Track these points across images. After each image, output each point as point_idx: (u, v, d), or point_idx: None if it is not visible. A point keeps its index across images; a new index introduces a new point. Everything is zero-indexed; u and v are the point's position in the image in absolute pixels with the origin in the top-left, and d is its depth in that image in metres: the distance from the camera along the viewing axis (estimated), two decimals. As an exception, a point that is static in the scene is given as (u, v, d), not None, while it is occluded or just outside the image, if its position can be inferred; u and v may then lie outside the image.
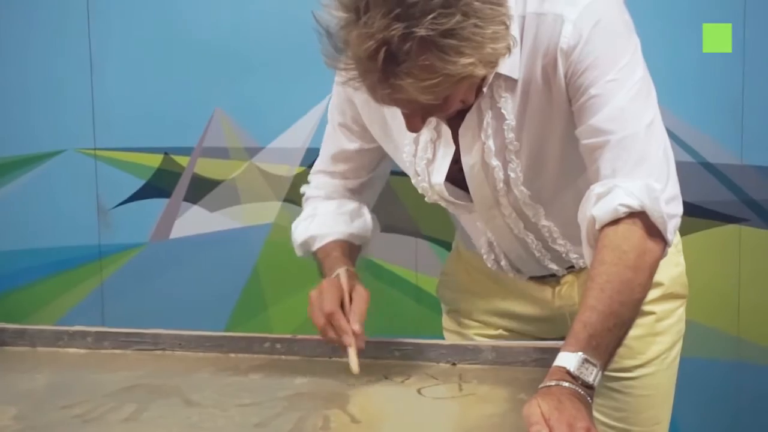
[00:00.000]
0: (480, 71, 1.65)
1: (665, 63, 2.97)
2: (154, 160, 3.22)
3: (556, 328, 2.15)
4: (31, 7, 3.21)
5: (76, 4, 3.18)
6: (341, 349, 1.90)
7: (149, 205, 3.25)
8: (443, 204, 2.03)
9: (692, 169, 3.00)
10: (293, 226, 2.19)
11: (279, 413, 1.74)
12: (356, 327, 1.89)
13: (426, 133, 1.94)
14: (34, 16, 3.20)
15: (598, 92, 1.76)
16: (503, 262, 2.12)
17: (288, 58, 3.08)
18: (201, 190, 3.22)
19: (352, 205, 2.16)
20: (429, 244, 3.12)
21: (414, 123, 1.79)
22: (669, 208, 1.72)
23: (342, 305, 1.92)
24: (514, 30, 1.77)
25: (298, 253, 2.18)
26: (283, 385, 1.88)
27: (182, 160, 3.21)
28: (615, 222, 1.71)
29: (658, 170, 1.74)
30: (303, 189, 2.23)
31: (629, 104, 1.75)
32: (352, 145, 2.12)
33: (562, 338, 2.05)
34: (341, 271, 1.98)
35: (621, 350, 1.79)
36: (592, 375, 1.60)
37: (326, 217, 2.13)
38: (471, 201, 2.00)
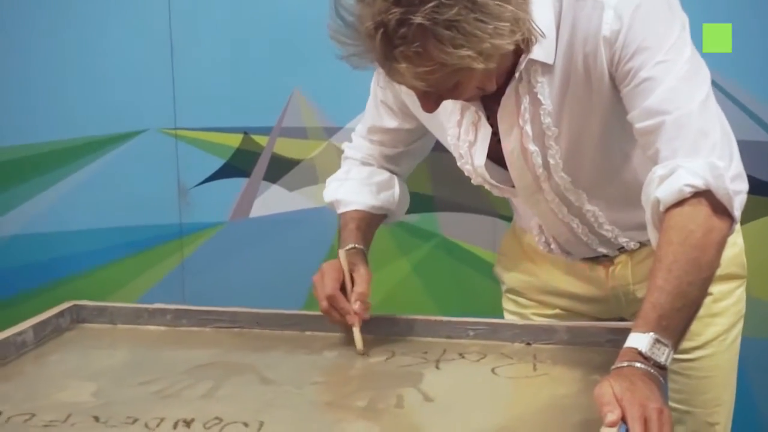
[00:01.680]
0: (478, 65, 1.63)
1: None
2: (234, 140, 3.24)
3: (610, 308, 2.15)
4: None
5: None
6: (346, 329, 1.97)
7: (229, 184, 3.27)
8: (487, 187, 2.03)
9: None
10: (327, 181, 2.23)
11: (353, 391, 1.76)
12: (356, 307, 1.96)
13: (468, 116, 1.94)
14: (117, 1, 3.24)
15: (649, 75, 1.74)
16: (553, 245, 2.12)
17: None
18: (280, 169, 3.23)
19: (383, 176, 2.20)
20: (507, 224, 3.11)
21: (427, 104, 1.79)
22: (735, 185, 1.70)
23: (345, 285, 1.99)
24: (549, 16, 1.77)
25: (329, 206, 2.22)
26: (356, 364, 1.90)
27: (261, 140, 3.23)
28: (680, 203, 1.68)
29: (720, 147, 1.72)
30: (344, 146, 2.27)
31: (681, 84, 1.73)
32: (391, 123, 2.15)
33: (622, 319, 2.05)
34: (341, 253, 2.03)
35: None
36: (663, 355, 1.59)
37: (355, 183, 2.18)
38: (513, 185, 2.00)
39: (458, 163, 2.02)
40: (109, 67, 3.24)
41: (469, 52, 1.61)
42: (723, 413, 2.13)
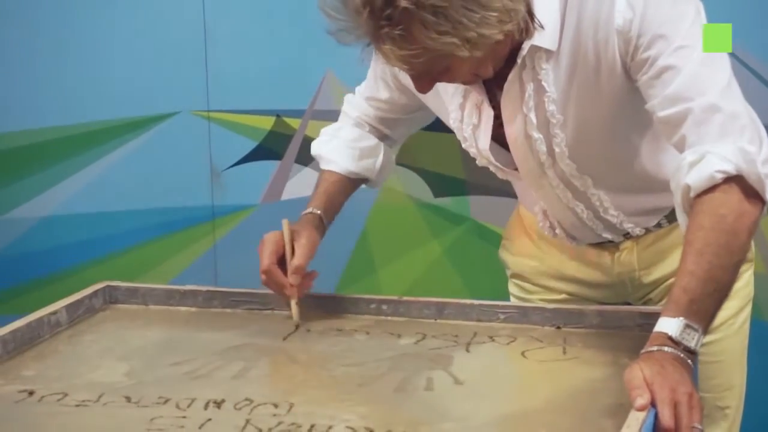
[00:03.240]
0: (463, 53, 1.63)
1: None
2: (266, 123, 3.25)
3: (617, 293, 2.14)
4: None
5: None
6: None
7: (261, 166, 3.28)
8: (492, 169, 2.03)
9: None
10: (321, 131, 2.25)
11: (383, 373, 1.76)
12: (291, 279, 1.98)
13: (472, 98, 1.94)
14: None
15: (668, 63, 1.72)
16: (558, 230, 2.11)
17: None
18: (312, 152, 3.24)
19: (370, 141, 2.21)
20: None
21: (419, 84, 1.79)
22: (766, 169, 1.68)
23: (286, 256, 2.01)
24: (554, 2, 1.76)
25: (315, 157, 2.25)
26: (387, 346, 1.90)
27: (294, 123, 3.23)
28: (711, 189, 1.67)
29: (750, 131, 1.70)
30: (345, 97, 2.27)
31: (702, 69, 1.71)
32: (386, 95, 2.16)
33: (628, 303, 2.04)
34: (285, 223, 2.04)
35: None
36: (693, 340, 1.59)
37: (341, 143, 2.19)
38: (517, 169, 1.99)
39: (463, 146, 2.02)
40: (143, 49, 3.25)
41: (454, 40, 1.61)
42: (734, 397, 2.13)
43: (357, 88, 2.24)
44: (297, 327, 1.99)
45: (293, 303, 2.00)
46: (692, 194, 1.69)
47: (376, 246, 3.32)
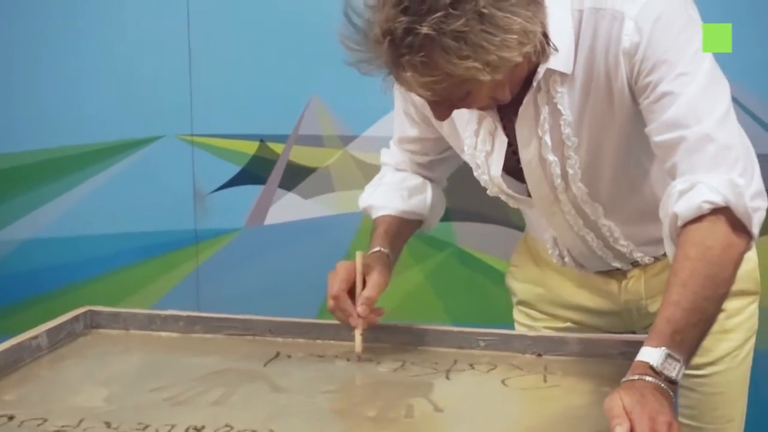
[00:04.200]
0: (485, 76, 1.63)
1: None
2: (250, 147, 3.25)
3: (622, 322, 2.14)
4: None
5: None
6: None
7: (245, 191, 3.29)
8: (503, 198, 2.04)
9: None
10: (366, 187, 2.24)
11: (363, 400, 1.76)
12: (360, 310, 1.96)
13: (485, 126, 1.94)
14: (133, 5, 3.25)
15: (668, 88, 1.73)
16: (567, 258, 2.12)
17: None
18: (295, 177, 3.24)
19: (415, 180, 2.20)
20: (522, 235, 3.12)
21: (438, 111, 1.79)
22: (754, 203, 1.69)
23: (356, 287, 1.99)
24: (568, 24, 1.77)
25: (363, 212, 2.24)
26: (368, 372, 1.91)
27: (277, 148, 3.24)
28: (698, 219, 1.68)
29: (741, 163, 1.71)
30: (382, 151, 2.26)
31: (701, 97, 1.72)
32: (414, 131, 2.15)
33: (634, 332, 2.06)
34: (358, 254, 2.03)
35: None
36: (675, 370, 1.59)
37: (388, 188, 2.19)
38: (530, 196, 2.00)
39: (475, 174, 2.02)
40: (127, 72, 3.25)
41: (476, 64, 1.61)
42: (735, 429, 2.13)
43: (390, 141, 2.24)
44: (359, 358, 1.96)
45: (357, 333, 1.97)
46: (680, 223, 1.70)
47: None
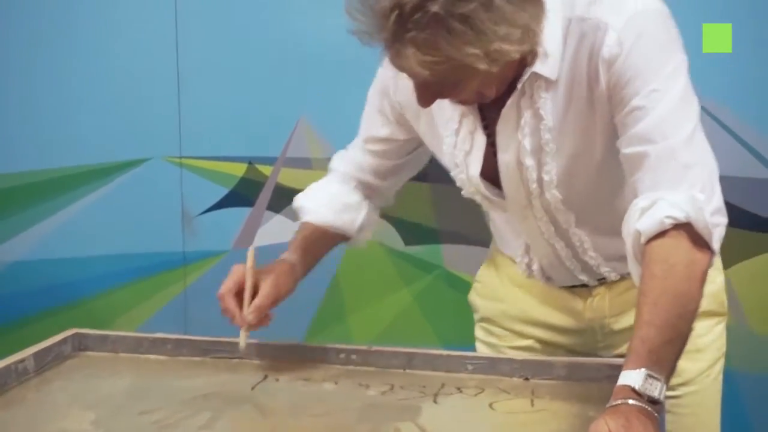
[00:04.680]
0: (482, 65, 1.65)
1: None
2: (239, 169, 3.26)
3: (586, 341, 2.16)
4: (118, 18, 3.28)
5: (163, 15, 3.23)
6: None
7: (233, 213, 3.29)
8: (478, 199, 2.04)
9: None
10: (308, 186, 2.25)
11: (351, 424, 1.76)
12: (250, 318, 1.99)
13: (466, 125, 1.95)
14: (122, 27, 3.26)
15: (641, 103, 1.75)
16: (535, 267, 2.12)
17: (373, 69, 3.11)
18: (284, 199, 3.25)
19: (353, 198, 2.21)
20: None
21: (424, 98, 1.79)
22: (714, 219, 1.71)
23: (250, 290, 2.02)
24: (558, 32, 1.79)
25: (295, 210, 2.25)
26: (355, 396, 1.90)
27: (266, 170, 3.25)
28: (660, 235, 1.69)
29: (701, 181, 1.73)
30: (335, 155, 2.27)
31: (671, 114, 1.74)
32: (384, 131, 2.15)
33: (593, 351, 2.11)
34: (249, 254, 2.05)
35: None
36: (656, 390, 1.60)
37: (324, 196, 2.20)
38: (504, 198, 2.01)
39: (452, 173, 2.03)
40: (116, 95, 3.26)
41: (477, 51, 1.63)
42: None
43: (349, 145, 2.25)
44: (241, 351, 2.01)
45: (242, 330, 2.01)
46: (642, 240, 1.71)
47: (347, 293, 3.32)
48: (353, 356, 2.06)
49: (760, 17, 2.96)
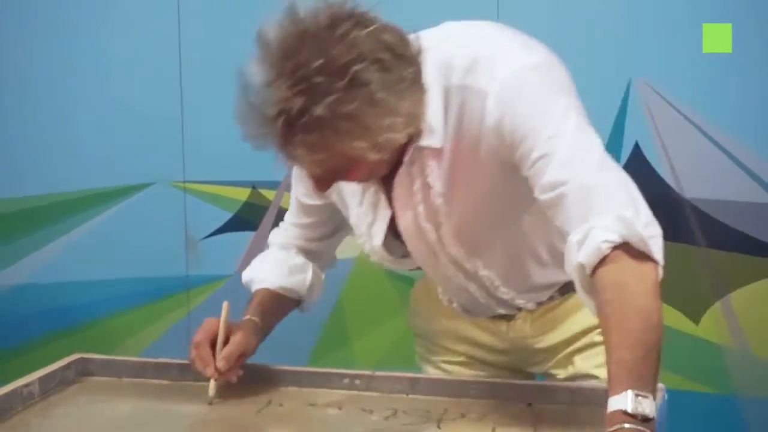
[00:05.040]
0: (373, 156, 1.70)
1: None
2: (242, 194, 3.27)
3: (511, 359, 2.20)
4: (121, 43, 3.29)
5: (167, 40, 3.25)
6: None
7: (237, 237, 3.30)
8: (386, 264, 2.10)
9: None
10: (252, 262, 2.27)
11: (354, 450, 1.77)
12: (220, 365, 2.00)
13: (369, 197, 2.00)
14: (125, 53, 3.28)
15: (540, 153, 1.76)
16: (455, 305, 2.17)
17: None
18: (287, 223, 3.25)
19: (298, 260, 2.24)
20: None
21: (319, 186, 1.84)
22: (647, 231, 1.71)
23: (222, 341, 2.03)
24: (438, 102, 1.82)
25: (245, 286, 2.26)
26: (359, 421, 1.91)
27: (269, 194, 3.25)
28: (602, 262, 1.70)
29: (624, 200, 1.74)
30: (272, 232, 2.31)
31: (573, 151, 1.76)
32: (310, 203, 2.19)
33: (524, 369, 2.16)
34: (224, 306, 2.06)
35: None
36: (647, 406, 1.59)
37: (270, 264, 2.23)
38: (411, 257, 2.06)
39: (358, 242, 2.07)
40: (120, 119, 3.28)
41: (364, 144, 1.67)
42: None
43: (282, 222, 2.29)
44: (210, 403, 1.99)
45: (212, 381, 2.01)
46: (588, 271, 1.72)
47: (350, 317, 3.33)
48: (357, 381, 2.06)
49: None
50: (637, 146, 3.13)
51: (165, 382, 2.12)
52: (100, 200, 3.32)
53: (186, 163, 3.27)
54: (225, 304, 2.07)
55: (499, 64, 1.81)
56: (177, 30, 3.26)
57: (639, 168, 3.13)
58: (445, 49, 1.84)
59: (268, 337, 3.15)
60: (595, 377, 2.08)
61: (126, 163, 3.30)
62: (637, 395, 1.60)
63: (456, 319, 2.21)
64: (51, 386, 2.06)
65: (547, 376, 2.19)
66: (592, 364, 2.09)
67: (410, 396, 2.02)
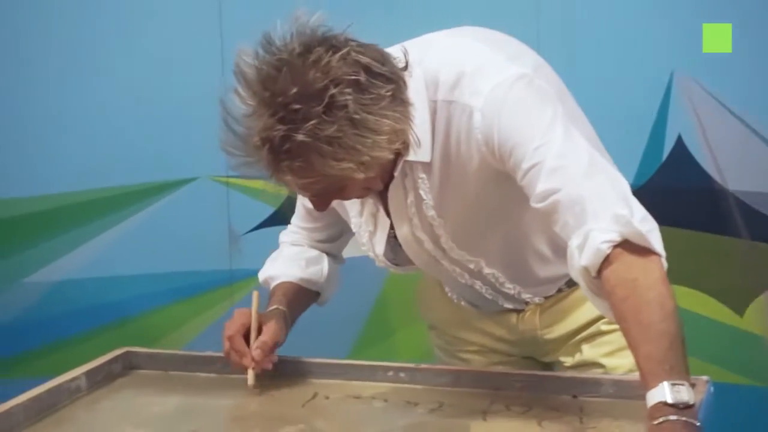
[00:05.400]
0: (359, 175, 1.73)
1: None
2: (284, 188, 3.27)
3: (523, 349, 2.23)
4: (167, 41, 3.31)
5: (209, 37, 3.26)
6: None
7: (279, 231, 3.30)
8: (391, 270, 2.13)
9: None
10: (265, 261, 2.31)
11: (401, 442, 1.78)
12: (255, 354, 2.02)
13: (368, 207, 2.03)
14: (171, 50, 3.30)
15: (531, 163, 1.79)
16: (463, 302, 2.20)
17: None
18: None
19: (312, 253, 2.27)
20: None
21: (317, 205, 1.89)
22: (644, 225, 1.72)
23: (255, 330, 2.06)
24: (425, 116, 1.85)
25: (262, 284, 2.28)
26: (405, 414, 1.91)
27: (312, 188, 3.26)
28: (606, 263, 1.71)
29: (617, 199, 1.75)
30: (281, 233, 2.34)
31: (562, 159, 1.78)
32: (319, 223, 2.24)
33: (535, 359, 2.19)
34: (254, 296, 2.11)
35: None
36: (685, 393, 1.59)
37: (285, 260, 2.26)
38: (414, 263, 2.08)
39: (362, 249, 2.11)
40: (164, 116, 3.29)
41: (350, 164, 1.70)
42: None
43: (291, 222, 2.32)
44: (251, 388, 2.02)
45: (250, 371, 2.03)
46: (593, 274, 1.74)
47: (392, 310, 3.33)
48: (401, 374, 2.07)
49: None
50: (680, 139, 3.12)
51: (211, 375, 2.14)
52: (144, 195, 3.34)
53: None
54: (255, 294, 2.11)
55: (483, 79, 1.84)
56: (219, 27, 3.27)
57: (682, 161, 3.11)
58: (430, 63, 1.88)
59: (311, 331, 3.17)
60: (602, 366, 2.12)
61: (169, 159, 3.32)
62: (673, 384, 1.60)
63: (466, 312, 2.23)
64: (98, 380, 2.08)
65: (556, 363, 2.21)
66: (599, 352, 2.13)
67: (455, 389, 2.02)
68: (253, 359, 2.02)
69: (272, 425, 1.85)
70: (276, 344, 2.07)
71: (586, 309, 2.11)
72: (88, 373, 2.06)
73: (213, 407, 1.99)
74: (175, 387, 2.09)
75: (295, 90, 1.66)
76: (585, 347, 2.15)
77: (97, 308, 3.39)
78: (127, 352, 2.18)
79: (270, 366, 2.05)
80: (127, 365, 2.18)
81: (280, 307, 2.14)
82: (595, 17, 3.09)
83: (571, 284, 2.09)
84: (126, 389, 2.09)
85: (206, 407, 1.99)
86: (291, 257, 2.25)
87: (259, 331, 2.06)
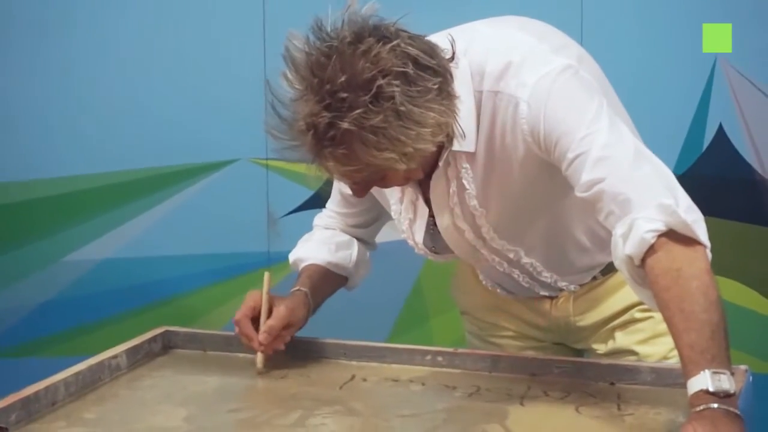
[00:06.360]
0: (401, 166, 1.74)
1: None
2: (325, 173, 3.28)
3: (555, 336, 2.23)
4: (208, 24, 3.32)
5: (251, 19, 3.28)
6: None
7: (317, 214, 3.31)
8: (430, 257, 2.14)
9: None
10: (297, 243, 2.33)
11: (438, 425, 1.78)
12: (261, 338, 2.04)
13: (408, 194, 2.03)
14: (211, 32, 3.31)
15: (576, 153, 1.80)
16: (499, 290, 2.21)
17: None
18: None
19: (343, 237, 2.28)
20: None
21: (356, 192, 1.90)
22: (689, 216, 1.73)
23: (266, 313, 2.08)
24: (471, 107, 1.86)
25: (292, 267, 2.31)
26: (443, 398, 1.92)
27: (350, 172, 3.26)
28: (650, 252, 1.72)
29: (662, 188, 1.76)
30: (316, 216, 2.36)
31: (607, 148, 1.79)
32: (354, 209, 2.26)
33: (567, 345, 2.21)
34: (266, 277, 2.13)
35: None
36: (726, 382, 1.61)
37: (315, 243, 2.27)
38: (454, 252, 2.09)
39: (401, 236, 2.12)
40: (204, 97, 3.31)
41: (393, 155, 1.72)
42: None
43: (326, 205, 2.34)
44: (259, 373, 2.04)
45: (259, 354, 2.05)
46: (636, 263, 1.75)
47: (429, 294, 3.34)
48: (439, 358, 2.08)
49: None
50: (720, 128, 3.11)
51: (250, 355, 2.14)
52: (183, 176, 3.35)
53: (268, 140, 3.28)
54: (266, 275, 2.13)
55: (529, 70, 1.85)
56: (261, 8, 3.28)
57: (722, 150, 3.10)
58: (476, 54, 1.89)
59: (348, 315, 3.19)
60: (635, 353, 2.12)
61: (209, 141, 3.33)
62: (714, 373, 1.61)
63: (500, 298, 2.24)
64: (138, 358, 2.10)
65: (589, 351, 2.21)
66: (633, 340, 2.13)
67: (493, 374, 2.03)
68: (260, 343, 2.04)
69: (310, 406, 1.86)
70: (289, 326, 2.08)
71: (619, 296, 2.12)
72: (128, 352, 2.08)
73: (251, 388, 2.01)
74: (214, 367, 2.11)
75: (343, 78, 1.67)
76: (618, 334, 2.15)
77: (136, 288, 3.41)
78: (167, 332, 2.20)
79: (282, 347, 2.07)
80: (167, 344, 2.20)
81: (303, 289, 2.16)
82: (637, 6, 3.08)
83: (606, 272, 2.12)
84: (165, 368, 2.10)
85: (246, 387, 2.01)
86: (321, 240, 2.27)
87: (271, 313, 2.07)
